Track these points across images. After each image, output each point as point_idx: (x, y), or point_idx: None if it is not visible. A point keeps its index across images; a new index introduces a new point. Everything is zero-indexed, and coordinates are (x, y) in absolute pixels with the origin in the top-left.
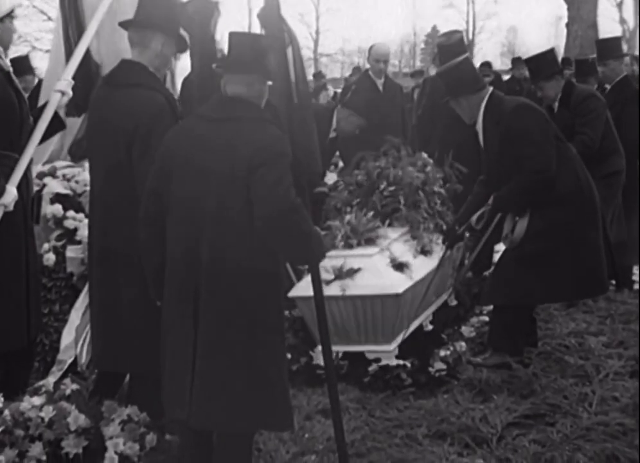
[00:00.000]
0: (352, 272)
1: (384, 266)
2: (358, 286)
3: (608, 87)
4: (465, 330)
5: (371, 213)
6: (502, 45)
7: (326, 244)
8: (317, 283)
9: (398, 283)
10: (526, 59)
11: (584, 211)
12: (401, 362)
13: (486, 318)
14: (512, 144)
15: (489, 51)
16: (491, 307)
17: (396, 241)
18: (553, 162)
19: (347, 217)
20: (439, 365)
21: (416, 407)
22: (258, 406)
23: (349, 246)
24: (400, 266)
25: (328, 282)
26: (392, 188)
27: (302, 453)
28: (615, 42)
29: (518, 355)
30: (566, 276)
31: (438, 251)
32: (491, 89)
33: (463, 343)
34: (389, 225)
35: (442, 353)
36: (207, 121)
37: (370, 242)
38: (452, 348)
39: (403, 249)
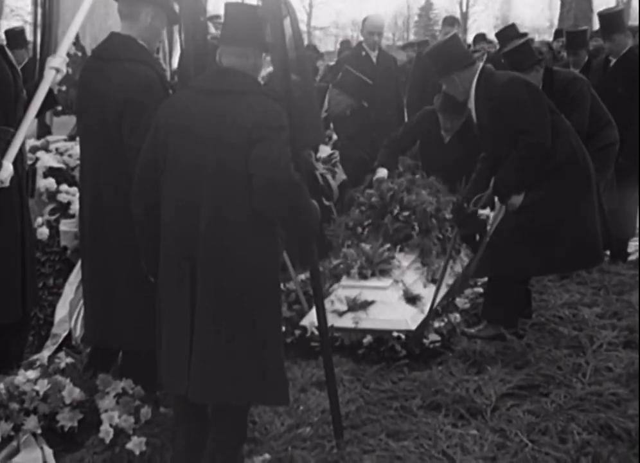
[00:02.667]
0: (366, 304)
1: (397, 299)
2: (371, 319)
3: (612, 60)
4: (459, 301)
5: (386, 246)
6: (496, 18)
7: (339, 272)
8: (312, 255)
9: (411, 319)
10: (503, 53)
11: (579, 182)
12: (395, 334)
13: (480, 290)
14: (506, 118)
15: (483, 23)
16: (485, 279)
17: (408, 269)
18: (549, 134)
19: (364, 246)
20: (434, 337)
21: (411, 379)
22: (255, 380)
23: (363, 277)
24: (412, 299)
25: (341, 314)
26: (405, 214)
27: (297, 425)
28: (619, 15)
29: (512, 326)
30: (561, 248)
31: (446, 277)
32: (481, 64)
33: (457, 315)
34: (400, 250)
35: (436, 324)
36: (204, 94)
37: (384, 273)
38: (446, 320)
39: (414, 278)
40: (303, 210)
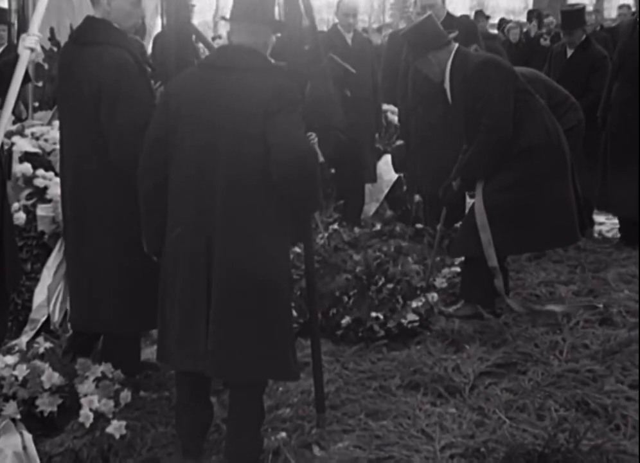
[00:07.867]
0: None
1: None
2: None
3: None
4: (437, 281)
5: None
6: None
7: None
8: (308, 230)
9: None
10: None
11: (553, 162)
12: (373, 314)
13: (458, 269)
14: (475, 100)
15: (459, 5)
16: (462, 258)
17: None
18: (509, 121)
19: None
20: (412, 316)
21: (389, 358)
22: (270, 355)
23: None
24: None
25: None
26: (390, 286)
27: (277, 406)
28: None
29: (489, 305)
30: (536, 227)
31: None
32: (456, 45)
33: (435, 294)
34: None
35: (414, 304)
36: (215, 70)
37: None
38: (424, 299)
39: None
40: (317, 182)
